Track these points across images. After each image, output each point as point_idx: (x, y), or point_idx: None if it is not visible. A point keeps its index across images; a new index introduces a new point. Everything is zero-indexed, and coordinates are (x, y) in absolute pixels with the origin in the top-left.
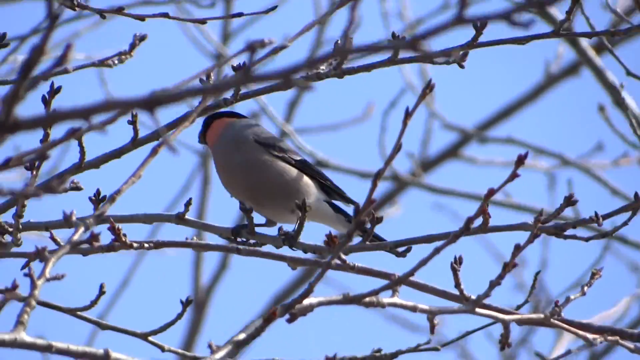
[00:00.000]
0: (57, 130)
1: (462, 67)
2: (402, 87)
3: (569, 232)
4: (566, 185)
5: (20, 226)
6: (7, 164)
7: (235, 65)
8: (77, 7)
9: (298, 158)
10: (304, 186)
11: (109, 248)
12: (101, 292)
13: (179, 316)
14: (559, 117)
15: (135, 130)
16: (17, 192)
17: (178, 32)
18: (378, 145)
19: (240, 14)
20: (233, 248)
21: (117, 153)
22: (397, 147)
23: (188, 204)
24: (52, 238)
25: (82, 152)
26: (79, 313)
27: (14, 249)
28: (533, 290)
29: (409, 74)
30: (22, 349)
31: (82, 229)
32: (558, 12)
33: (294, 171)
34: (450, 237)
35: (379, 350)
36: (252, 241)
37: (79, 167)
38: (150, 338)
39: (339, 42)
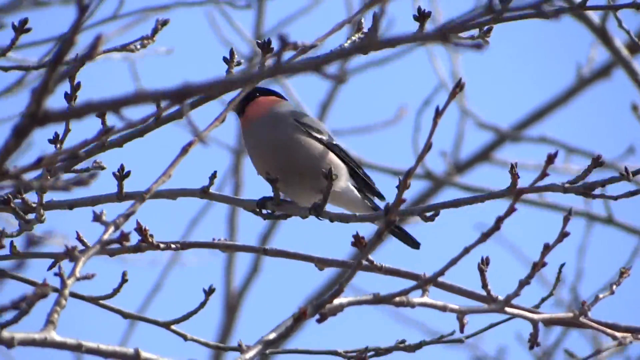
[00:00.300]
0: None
1: (487, 42)
2: (435, 86)
3: (597, 191)
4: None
5: (44, 202)
6: (39, 163)
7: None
8: None
9: (334, 142)
10: (336, 168)
11: (136, 249)
12: (123, 279)
13: (202, 305)
14: (591, 120)
15: (159, 108)
16: (46, 185)
17: (210, 35)
18: (412, 144)
19: None
20: (260, 249)
21: (140, 132)
22: (428, 146)
23: (213, 177)
24: (79, 239)
25: (106, 130)
26: (101, 302)
27: (42, 249)
28: (557, 284)
29: (443, 73)
30: (53, 348)
31: (111, 229)
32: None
33: (327, 152)
34: (480, 237)
35: (403, 341)
36: (277, 213)
37: (102, 146)
38: (173, 327)
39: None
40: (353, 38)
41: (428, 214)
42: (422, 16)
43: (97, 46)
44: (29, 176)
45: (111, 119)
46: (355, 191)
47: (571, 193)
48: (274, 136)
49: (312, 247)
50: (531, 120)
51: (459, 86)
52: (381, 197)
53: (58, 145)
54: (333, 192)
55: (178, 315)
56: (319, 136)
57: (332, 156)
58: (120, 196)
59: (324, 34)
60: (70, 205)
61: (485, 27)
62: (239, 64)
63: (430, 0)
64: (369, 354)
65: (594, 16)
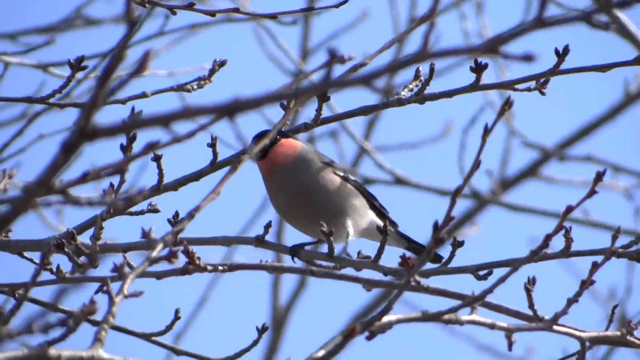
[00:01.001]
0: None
1: (543, 94)
2: (481, 105)
3: None
4: None
5: (98, 248)
6: (84, 178)
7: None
8: (147, 4)
9: (353, 178)
10: (362, 206)
11: (183, 271)
12: (176, 317)
13: (255, 343)
14: (638, 136)
15: (215, 153)
16: (95, 201)
17: (257, 51)
18: (457, 162)
19: (311, 8)
20: (307, 270)
21: (196, 176)
22: (476, 164)
23: (268, 226)
24: (127, 263)
25: (161, 174)
26: (153, 338)
27: (92, 272)
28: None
29: (490, 92)
30: None
31: (160, 247)
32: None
33: (355, 191)
34: (529, 255)
35: None
36: (330, 264)
37: (157, 189)
38: None
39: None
40: (406, 89)
41: (481, 273)
42: (479, 68)
43: (146, 61)
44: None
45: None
46: (379, 221)
47: (623, 257)
48: (308, 179)
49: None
50: (578, 137)
51: (507, 104)
52: (392, 223)
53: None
54: (360, 228)
55: (229, 340)
56: (341, 173)
57: (357, 193)
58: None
59: (373, 52)
60: (125, 249)
61: (542, 80)
62: (297, 111)
63: (477, 14)
64: None
65: (639, 33)
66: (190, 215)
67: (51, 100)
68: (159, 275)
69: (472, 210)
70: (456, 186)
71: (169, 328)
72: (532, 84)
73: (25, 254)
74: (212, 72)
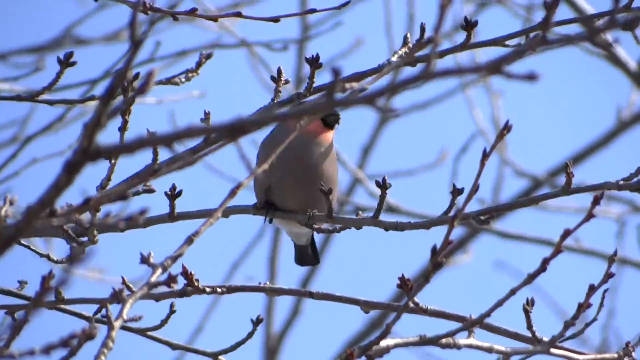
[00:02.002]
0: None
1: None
2: (473, 133)
3: None
4: (637, 232)
5: (97, 221)
6: (86, 204)
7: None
8: (149, 11)
9: None
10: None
11: (182, 293)
12: (171, 311)
13: (250, 335)
14: (630, 163)
15: (207, 144)
16: (96, 222)
17: (250, 75)
18: (449, 189)
19: (313, 10)
20: (306, 292)
21: (190, 162)
22: (475, 188)
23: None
24: (125, 284)
25: (155, 158)
26: (149, 333)
27: (89, 296)
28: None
29: (481, 119)
30: None
31: (159, 271)
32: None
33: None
34: (526, 278)
35: None
36: (331, 226)
37: (153, 172)
38: (220, 357)
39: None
40: (400, 52)
41: (483, 217)
42: (469, 25)
43: (149, 81)
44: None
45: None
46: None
47: (626, 190)
48: (331, 169)
49: (353, 289)
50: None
51: (506, 128)
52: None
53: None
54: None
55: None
56: None
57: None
58: (172, 216)
59: (373, 77)
60: (122, 228)
61: (532, 35)
62: (287, 82)
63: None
64: None
65: (630, 61)
66: (190, 240)
67: (40, 97)
68: (158, 298)
69: (464, 238)
70: (453, 211)
71: (164, 322)
72: (522, 39)
73: (23, 241)
74: (199, 64)
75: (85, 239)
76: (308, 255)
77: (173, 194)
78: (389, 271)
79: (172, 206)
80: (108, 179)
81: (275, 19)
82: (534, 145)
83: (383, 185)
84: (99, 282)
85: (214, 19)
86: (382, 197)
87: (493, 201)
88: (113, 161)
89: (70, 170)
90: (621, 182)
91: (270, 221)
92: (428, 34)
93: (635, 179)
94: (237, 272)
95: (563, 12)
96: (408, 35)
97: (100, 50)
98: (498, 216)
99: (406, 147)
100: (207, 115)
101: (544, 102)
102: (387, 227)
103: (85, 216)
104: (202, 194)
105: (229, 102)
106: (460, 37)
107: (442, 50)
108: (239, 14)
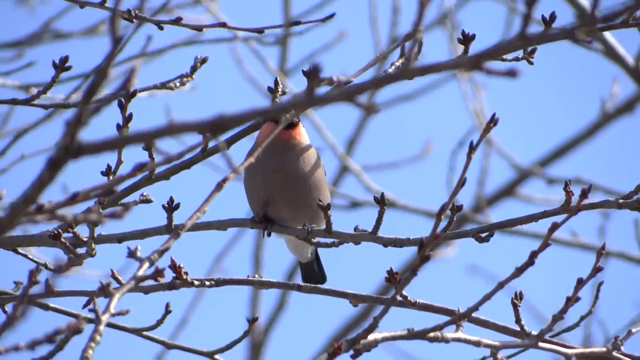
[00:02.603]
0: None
1: (531, 63)
2: (470, 127)
3: None
4: (624, 226)
5: (95, 235)
6: (74, 199)
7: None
8: (134, 19)
9: None
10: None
11: (170, 286)
12: (167, 311)
13: (246, 333)
14: (615, 155)
15: (206, 141)
16: (80, 218)
17: (235, 74)
18: (446, 184)
19: (297, 22)
20: (294, 285)
21: (187, 164)
22: (462, 181)
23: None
24: (114, 277)
25: (152, 161)
26: (145, 333)
27: (78, 288)
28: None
29: (473, 111)
30: None
31: (146, 265)
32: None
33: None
34: (514, 272)
35: None
36: (329, 240)
37: (149, 178)
38: (216, 357)
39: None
40: (397, 63)
41: (483, 235)
42: (466, 39)
43: (131, 78)
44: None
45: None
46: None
47: (626, 209)
48: (314, 169)
49: (339, 282)
50: (556, 156)
51: (492, 122)
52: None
53: (111, 177)
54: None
55: (210, 347)
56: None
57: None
58: (169, 228)
59: (358, 70)
60: (120, 238)
61: (530, 48)
62: (284, 93)
63: (457, 31)
64: None
65: (628, 57)
66: (176, 234)
67: (36, 101)
68: (146, 290)
69: (449, 229)
70: (440, 205)
71: (160, 322)
72: (520, 53)
73: (20, 249)
74: (193, 69)
75: (83, 250)
76: (315, 273)
77: (171, 207)
78: (374, 265)
79: (169, 218)
80: (114, 172)
81: (260, 30)
82: (520, 136)
83: (382, 201)
84: (90, 271)
85: (199, 28)
86: (381, 212)
87: (477, 193)
88: (119, 158)
89: (53, 167)
90: (621, 201)
91: (269, 235)
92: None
93: (635, 197)
94: (221, 265)
95: (561, 7)
96: (405, 46)
97: (79, 44)
98: (498, 229)
99: (391, 139)
100: None
101: (529, 93)
102: (386, 243)
103: (72, 214)
104: (200, 198)
105: (217, 95)
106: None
107: (438, 63)
108: (224, 25)
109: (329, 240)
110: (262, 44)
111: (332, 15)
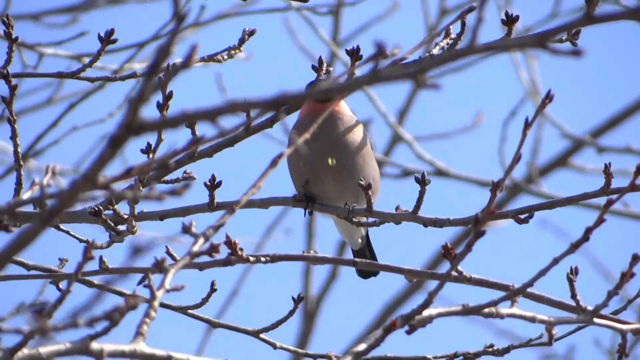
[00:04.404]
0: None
1: (574, 45)
2: (521, 97)
3: None
4: None
5: (136, 213)
6: (128, 173)
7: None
8: None
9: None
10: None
11: (226, 262)
12: (212, 289)
13: (291, 313)
14: None
15: (249, 118)
16: (138, 195)
17: (287, 41)
18: (498, 153)
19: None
20: (349, 261)
21: (230, 142)
22: (517, 158)
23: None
24: (168, 253)
25: (194, 133)
26: (190, 311)
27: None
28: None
29: (525, 82)
30: None
31: (201, 241)
32: None
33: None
34: (569, 248)
35: (492, 346)
36: (370, 220)
37: (192, 156)
38: (262, 335)
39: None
40: (442, 44)
41: (522, 216)
42: (510, 20)
43: (192, 55)
44: (119, 187)
45: (202, 129)
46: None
47: None
48: (357, 141)
49: (386, 255)
50: (608, 126)
51: (548, 98)
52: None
53: (150, 155)
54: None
55: (261, 323)
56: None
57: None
58: (211, 206)
59: (415, 45)
60: (162, 216)
61: (574, 30)
62: (328, 72)
63: (507, 4)
64: (457, 359)
65: None
66: (231, 210)
67: (82, 74)
68: (201, 267)
69: (502, 201)
70: (497, 179)
71: (205, 300)
72: (564, 35)
73: (62, 226)
74: (241, 41)
75: (123, 227)
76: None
77: (213, 184)
78: (415, 245)
79: (211, 196)
80: (154, 151)
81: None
82: (574, 106)
83: (422, 181)
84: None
85: None
86: (422, 192)
87: (530, 163)
88: (159, 137)
89: (114, 144)
90: None
91: (311, 213)
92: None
93: None
94: (272, 236)
95: None
96: (450, 28)
97: (134, 9)
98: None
99: (442, 109)
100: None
101: (581, 63)
102: (426, 223)
103: (124, 190)
104: (242, 176)
105: (270, 65)
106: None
107: (483, 44)
108: None
109: (370, 220)
110: (315, 14)
111: None
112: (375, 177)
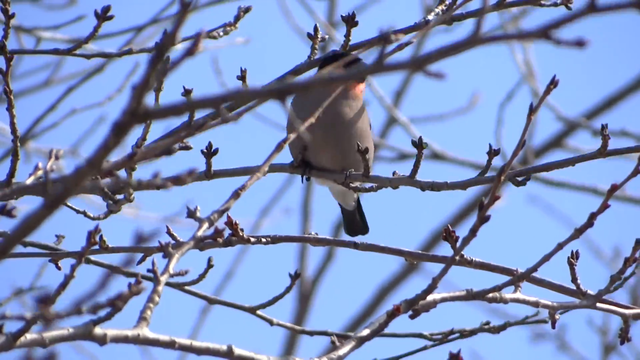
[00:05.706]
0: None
1: (569, 8)
2: (518, 80)
3: None
4: None
5: (133, 180)
6: (131, 158)
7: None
8: None
9: None
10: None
11: (227, 243)
12: (209, 265)
13: (288, 289)
14: None
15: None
16: (144, 183)
17: (282, 23)
18: (494, 135)
19: None
20: (350, 243)
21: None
22: (521, 143)
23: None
24: (169, 233)
25: (192, 117)
26: (187, 288)
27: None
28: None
29: (520, 63)
30: (145, 345)
31: (205, 225)
32: None
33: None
34: (573, 233)
35: (487, 323)
36: (367, 185)
37: (188, 125)
38: (259, 312)
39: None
40: (437, 10)
41: (519, 178)
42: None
43: (198, 42)
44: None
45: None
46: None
47: None
48: (358, 117)
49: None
50: (602, 108)
51: (552, 84)
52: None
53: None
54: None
55: (256, 300)
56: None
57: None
58: (208, 174)
59: (418, 32)
60: (158, 185)
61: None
62: (323, 39)
63: None
64: (453, 335)
65: None
66: (236, 194)
67: (77, 51)
68: (202, 248)
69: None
70: (501, 166)
71: (202, 277)
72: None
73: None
74: (237, 18)
75: (121, 196)
76: (357, 223)
77: (209, 152)
78: (416, 216)
79: (208, 164)
80: (143, 138)
81: None
82: (567, 87)
83: (419, 145)
84: (135, 218)
85: None
86: (419, 156)
87: (526, 145)
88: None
89: (119, 131)
90: None
91: (308, 179)
92: None
93: None
94: (267, 217)
95: None
96: None
97: None
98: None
99: (438, 91)
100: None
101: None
102: (424, 186)
103: (136, 178)
104: (240, 151)
105: (266, 47)
106: None
107: (477, 9)
108: None
109: (367, 185)
110: None
111: None
112: (372, 152)
